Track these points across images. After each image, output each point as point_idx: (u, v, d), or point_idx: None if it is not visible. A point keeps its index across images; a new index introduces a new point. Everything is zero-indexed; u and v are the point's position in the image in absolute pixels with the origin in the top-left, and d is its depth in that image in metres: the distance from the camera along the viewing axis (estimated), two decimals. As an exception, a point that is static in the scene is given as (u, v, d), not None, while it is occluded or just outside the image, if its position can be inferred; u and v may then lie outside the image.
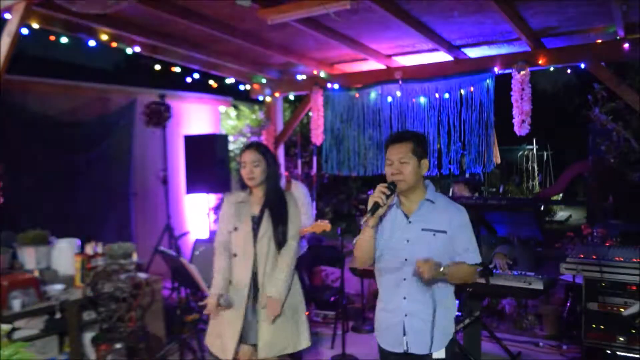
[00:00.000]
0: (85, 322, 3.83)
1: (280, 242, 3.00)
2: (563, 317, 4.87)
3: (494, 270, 3.59)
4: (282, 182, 4.22)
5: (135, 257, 4.12)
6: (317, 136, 6.29)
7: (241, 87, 6.93)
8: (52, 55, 9.74)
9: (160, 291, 4.34)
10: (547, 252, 5.75)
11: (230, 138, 7.06)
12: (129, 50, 5.26)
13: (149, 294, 4.14)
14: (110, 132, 6.16)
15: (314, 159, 7.40)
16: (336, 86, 6.20)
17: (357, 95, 6.05)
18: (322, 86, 6.24)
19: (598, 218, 5.59)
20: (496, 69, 5.20)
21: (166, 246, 5.74)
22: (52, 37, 4.73)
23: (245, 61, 6.14)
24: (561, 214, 12.85)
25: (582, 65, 4.86)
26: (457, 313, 3.93)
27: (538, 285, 3.39)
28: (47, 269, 3.94)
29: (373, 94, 5.95)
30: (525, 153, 12.95)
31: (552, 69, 5.22)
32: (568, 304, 4.84)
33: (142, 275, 4.06)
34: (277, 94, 6.83)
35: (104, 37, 4.90)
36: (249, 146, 3.10)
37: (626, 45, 4.55)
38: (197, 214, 7.18)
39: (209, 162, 6.15)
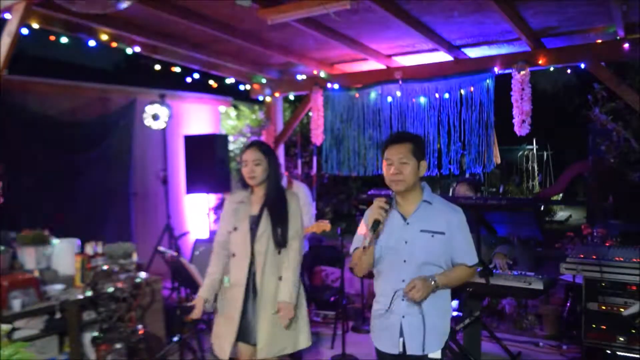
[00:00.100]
0: (85, 322, 3.82)
1: (279, 241, 2.97)
2: (563, 317, 4.87)
3: (494, 270, 3.59)
4: (284, 182, 4.21)
5: (135, 257, 4.12)
6: (317, 136, 6.29)
7: (241, 87, 6.93)
8: (52, 55, 9.75)
9: (160, 291, 4.34)
10: (547, 252, 5.76)
11: (230, 138, 7.05)
12: (129, 50, 5.27)
13: (149, 294, 4.14)
14: (110, 132, 6.15)
15: (314, 159, 7.40)
16: (336, 86, 6.20)
17: (357, 95, 6.05)
18: (322, 86, 6.24)
19: (598, 218, 5.58)
20: (496, 69, 5.20)
21: (166, 246, 5.73)
22: (52, 37, 4.74)
23: (245, 61, 6.14)
24: (561, 214, 12.86)
25: (582, 65, 4.87)
26: (457, 313, 3.95)
27: (538, 285, 3.39)
28: (47, 269, 3.93)
29: (373, 94, 5.95)
30: (525, 153, 12.96)
31: (552, 69, 5.23)
32: (568, 304, 4.83)
33: (142, 275, 4.06)
34: (277, 94, 6.83)
35: (104, 37, 4.90)
36: (250, 145, 3.09)
37: (626, 45, 4.56)
38: (197, 214, 7.17)
39: (209, 162, 6.14)
